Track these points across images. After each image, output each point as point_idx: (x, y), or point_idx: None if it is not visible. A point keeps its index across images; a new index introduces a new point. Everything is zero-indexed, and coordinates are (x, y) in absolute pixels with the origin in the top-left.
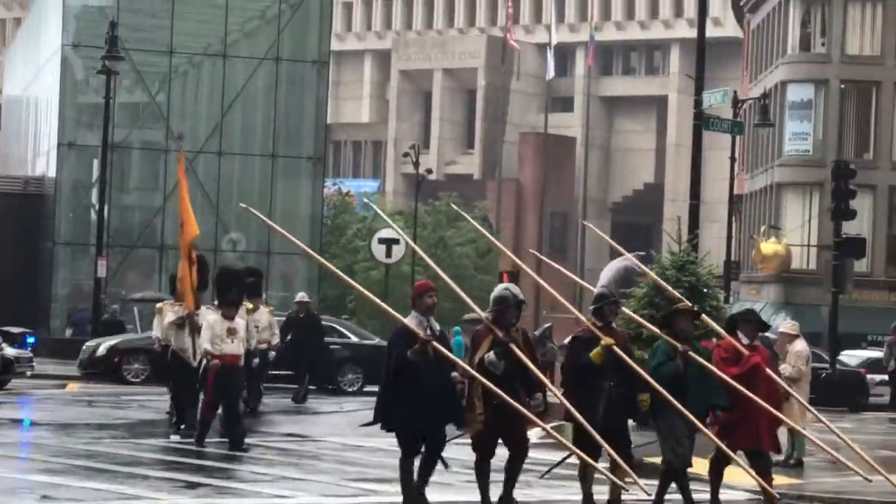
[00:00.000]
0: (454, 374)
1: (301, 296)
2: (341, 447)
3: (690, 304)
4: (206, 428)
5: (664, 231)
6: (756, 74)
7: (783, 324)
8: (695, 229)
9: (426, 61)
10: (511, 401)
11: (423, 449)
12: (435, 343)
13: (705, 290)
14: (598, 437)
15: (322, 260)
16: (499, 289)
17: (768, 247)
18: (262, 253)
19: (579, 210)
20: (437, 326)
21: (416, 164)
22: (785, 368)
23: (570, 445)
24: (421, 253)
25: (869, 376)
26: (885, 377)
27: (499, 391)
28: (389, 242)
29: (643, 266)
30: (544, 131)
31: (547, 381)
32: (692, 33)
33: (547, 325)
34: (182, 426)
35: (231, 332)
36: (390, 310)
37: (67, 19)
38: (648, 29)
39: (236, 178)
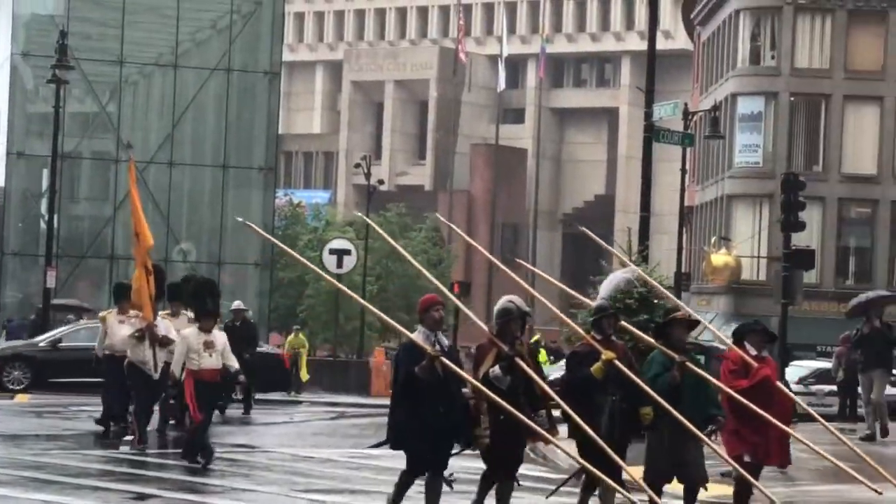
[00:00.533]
0: (466, 390)
1: (237, 304)
2: (291, 458)
3: (688, 313)
4: (196, 445)
5: (615, 242)
6: (706, 87)
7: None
8: (645, 241)
9: (378, 72)
10: (521, 416)
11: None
12: (444, 359)
13: (656, 301)
14: (609, 451)
15: (338, 284)
16: (502, 301)
17: (719, 258)
18: (213, 263)
19: (530, 221)
20: (445, 341)
21: (368, 175)
22: None
23: (584, 462)
24: (426, 271)
25: (816, 387)
26: (834, 388)
27: (509, 407)
28: (340, 253)
29: (648, 278)
30: (496, 142)
31: (555, 396)
32: (643, 46)
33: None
34: (138, 441)
35: (208, 345)
36: (397, 325)
37: (17, 28)
38: (600, 41)
39: (187, 189)
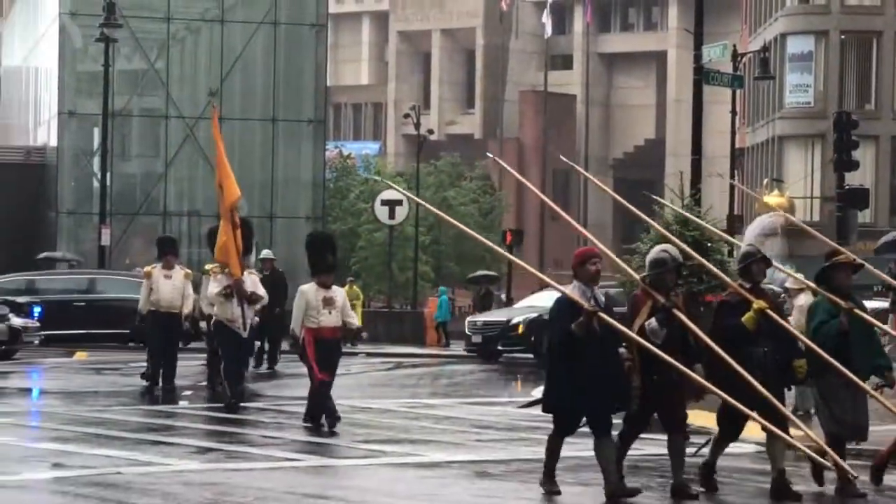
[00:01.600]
0: (621, 349)
1: (266, 253)
2: (350, 409)
3: (852, 257)
4: (320, 406)
5: (667, 186)
6: (755, 27)
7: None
8: (697, 184)
9: (424, 22)
10: (687, 371)
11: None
12: (602, 314)
13: (709, 244)
14: (776, 402)
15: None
16: (656, 250)
17: (771, 199)
18: (265, 217)
19: (581, 167)
20: (601, 297)
21: (417, 126)
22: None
23: (752, 414)
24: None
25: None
26: None
27: (676, 363)
28: (392, 204)
29: (798, 221)
30: (544, 89)
31: (718, 348)
32: None
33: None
34: (231, 398)
35: (328, 301)
36: (550, 281)
37: None
38: None
39: (237, 144)
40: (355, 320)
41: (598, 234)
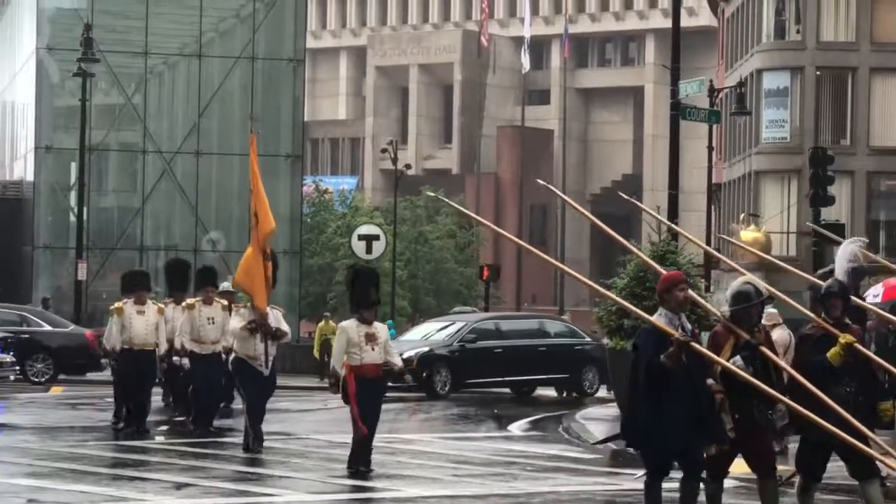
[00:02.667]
0: (710, 381)
1: (224, 286)
2: (327, 444)
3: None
4: (365, 450)
5: (643, 221)
6: (732, 63)
7: (766, 312)
8: (674, 219)
9: (402, 57)
10: (794, 404)
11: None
12: (694, 344)
13: (688, 278)
14: (864, 447)
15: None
16: (739, 283)
17: (748, 234)
18: (242, 252)
19: (558, 202)
20: (689, 325)
21: (395, 160)
22: None
23: (872, 452)
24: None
25: None
26: None
27: (783, 398)
28: (369, 239)
29: (869, 254)
30: (521, 124)
31: (812, 387)
32: (667, 23)
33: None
34: (252, 443)
35: (370, 338)
36: (636, 309)
37: (41, 22)
38: (623, 20)
39: (215, 178)
40: (398, 360)
41: (576, 270)
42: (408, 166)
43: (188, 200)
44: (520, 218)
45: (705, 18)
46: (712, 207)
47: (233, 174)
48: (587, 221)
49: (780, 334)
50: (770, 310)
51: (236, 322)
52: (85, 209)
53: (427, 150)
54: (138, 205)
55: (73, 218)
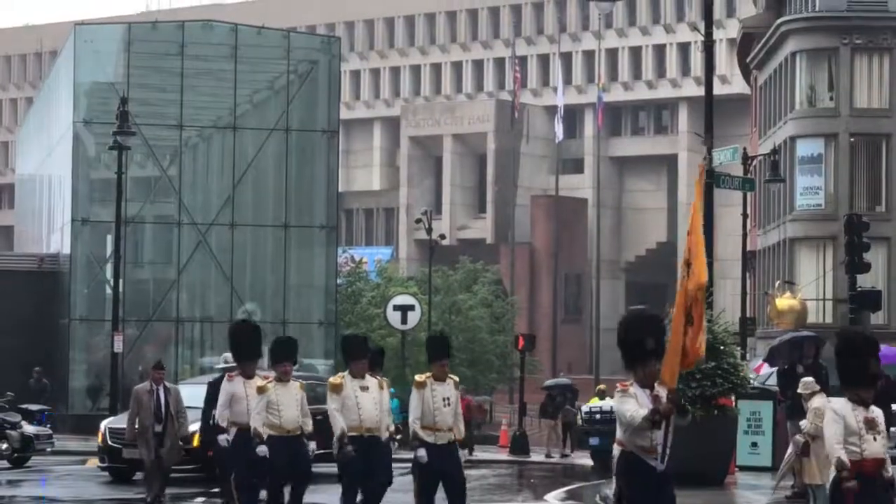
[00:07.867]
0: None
1: (225, 357)
2: None
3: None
4: None
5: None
6: (765, 130)
7: (801, 381)
8: (709, 287)
9: (435, 127)
10: None
11: None
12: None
13: (722, 347)
14: None
15: None
16: None
17: (783, 302)
18: (278, 323)
19: (593, 271)
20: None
21: (429, 230)
22: (804, 425)
23: None
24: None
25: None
26: None
27: None
28: (405, 309)
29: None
30: (555, 193)
31: None
32: (700, 91)
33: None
34: None
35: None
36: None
37: (78, 96)
38: (656, 88)
39: (249, 250)
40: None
41: (613, 338)
42: (442, 236)
43: (223, 272)
44: (554, 287)
45: (738, 86)
46: (747, 275)
47: (267, 245)
48: (622, 291)
49: (821, 402)
50: (810, 378)
51: (333, 403)
52: (121, 281)
53: (461, 219)
54: (174, 276)
55: (108, 290)
